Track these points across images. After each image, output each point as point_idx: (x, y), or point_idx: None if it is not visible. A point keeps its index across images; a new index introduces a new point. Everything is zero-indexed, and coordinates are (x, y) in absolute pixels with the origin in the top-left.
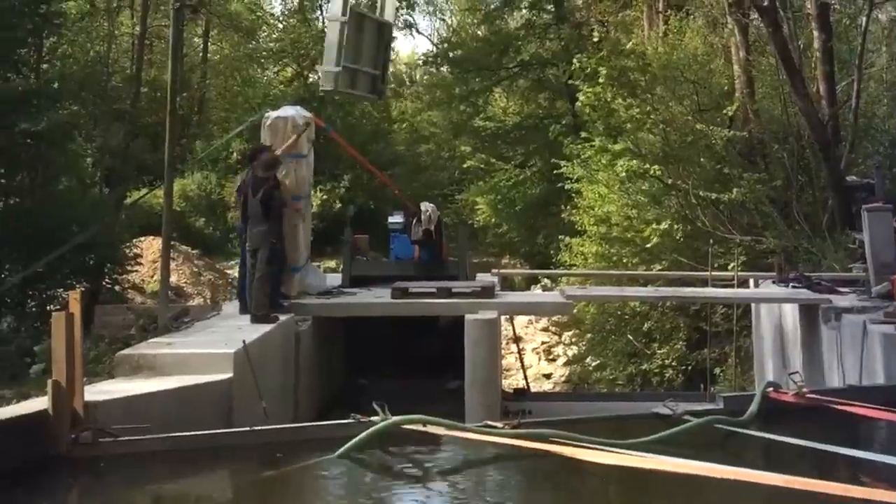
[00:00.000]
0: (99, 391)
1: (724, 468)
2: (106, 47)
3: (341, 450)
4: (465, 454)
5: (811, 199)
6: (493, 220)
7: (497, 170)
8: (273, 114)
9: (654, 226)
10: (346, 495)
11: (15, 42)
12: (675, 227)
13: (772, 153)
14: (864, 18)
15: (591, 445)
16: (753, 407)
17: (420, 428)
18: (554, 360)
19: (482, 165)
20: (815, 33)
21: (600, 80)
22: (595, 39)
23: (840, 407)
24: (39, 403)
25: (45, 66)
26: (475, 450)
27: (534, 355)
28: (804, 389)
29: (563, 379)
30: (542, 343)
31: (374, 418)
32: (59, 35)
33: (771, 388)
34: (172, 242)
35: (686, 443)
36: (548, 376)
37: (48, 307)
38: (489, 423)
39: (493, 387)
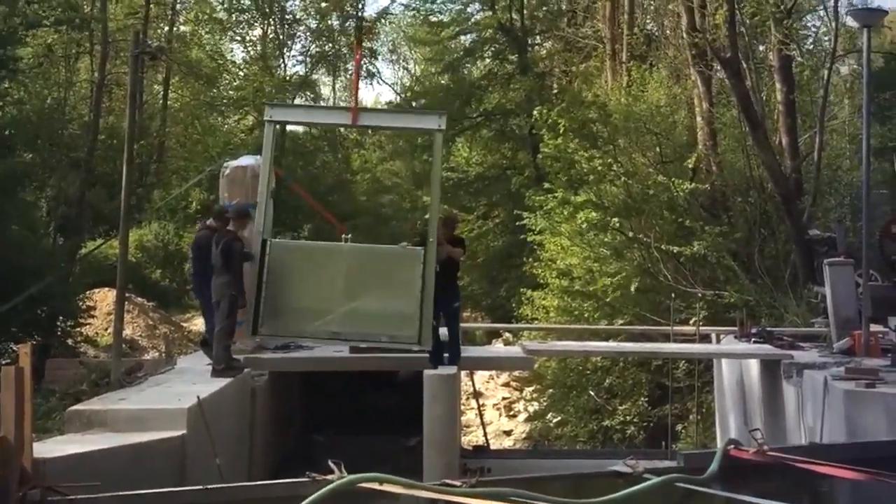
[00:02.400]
0: (49, 448)
1: None
2: (63, 94)
3: None
4: None
5: (773, 253)
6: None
7: (460, 221)
8: (232, 163)
9: (613, 279)
10: None
11: None
12: (635, 279)
13: (734, 206)
14: (827, 71)
15: None
16: (714, 465)
17: (377, 486)
18: (515, 416)
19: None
20: (778, 86)
21: (562, 132)
22: (556, 91)
23: (801, 465)
24: None
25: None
26: None
27: (494, 411)
28: (765, 447)
29: (523, 435)
30: (503, 399)
31: (329, 476)
32: (14, 81)
33: (732, 446)
34: (128, 294)
35: (646, 502)
36: (508, 433)
37: (0, 362)
38: (447, 481)
39: (452, 444)
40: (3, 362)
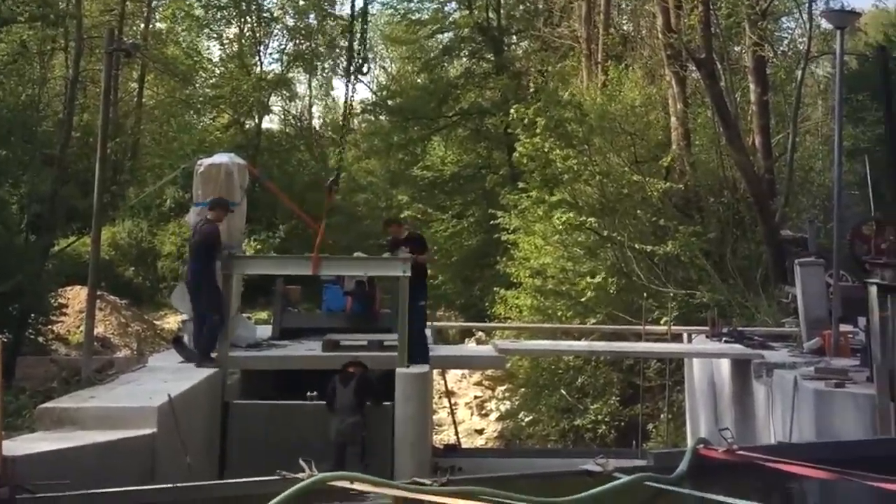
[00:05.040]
0: (18, 445)
1: None
2: (37, 91)
3: None
4: None
5: (746, 253)
6: (429, 271)
7: (434, 220)
8: (206, 161)
9: (588, 279)
10: None
11: None
12: (610, 280)
13: (707, 206)
14: (800, 72)
15: (518, 503)
16: (683, 464)
17: (347, 485)
18: (486, 414)
19: (419, 216)
20: (752, 86)
21: (538, 131)
22: (532, 90)
23: (771, 464)
24: None
25: None
26: None
27: (466, 410)
28: (735, 446)
29: (495, 434)
30: (475, 398)
31: (300, 475)
32: None
33: (701, 445)
34: (100, 292)
35: (615, 500)
36: (480, 432)
37: None
38: (417, 479)
39: (424, 443)
40: None
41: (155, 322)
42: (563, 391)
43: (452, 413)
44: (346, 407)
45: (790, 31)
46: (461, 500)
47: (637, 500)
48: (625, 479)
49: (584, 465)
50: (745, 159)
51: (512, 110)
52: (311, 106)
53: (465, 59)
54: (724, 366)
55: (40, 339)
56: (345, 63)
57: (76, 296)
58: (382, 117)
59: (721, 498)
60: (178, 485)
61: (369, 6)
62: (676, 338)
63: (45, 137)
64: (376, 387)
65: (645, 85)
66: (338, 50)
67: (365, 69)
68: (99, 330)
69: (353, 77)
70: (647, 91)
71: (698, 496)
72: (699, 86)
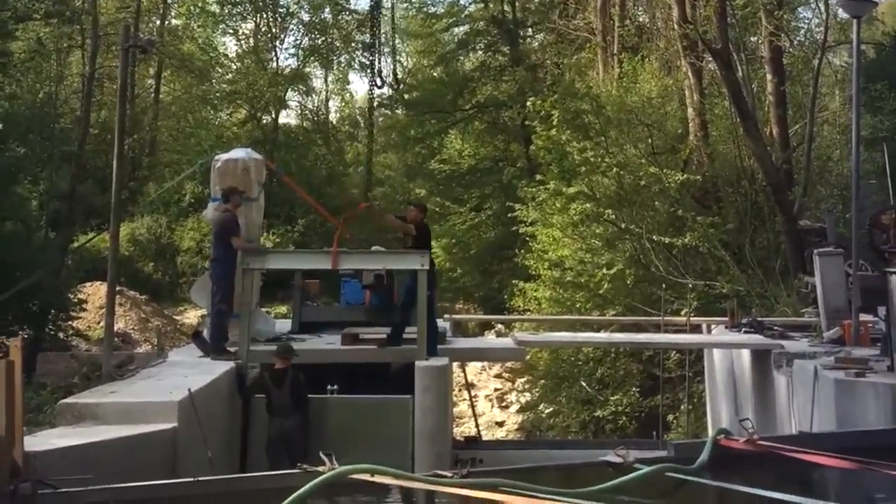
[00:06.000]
0: (40, 441)
1: None
2: (54, 88)
3: (287, 500)
4: None
5: (764, 244)
6: (447, 264)
7: (452, 213)
8: (223, 156)
9: (605, 270)
10: None
11: None
12: (628, 271)
13: (725, 197)
14: (817, 62)
15: (539, 495)
16: (704, 455)
17: (367, 478)
18: (507, 406)
19: (437, 209)
20: (769, 77)
21: (555, 123)
22: (548, 83)
23: (791, 454)
24: None
25: None
26: (423, 500)
27: (487, 402)
28: (755, 436)
29: (515, 426)
30: (496, 390)
31: (320, 468)
32: (5, 75)
33: (722, 436)
34: (120, 288)
35: (636, 491)
36: (500, 424)
37: None
38: (438, 472)
39: (444, 435)
40: None
41: (175, 317)
42: (583, 382)
43: (472, 405)
44: (285, 407)
45: (807, 21)
46: (482, 492)
47: (658, 490)
48: (646, 469)
49: (605, 456)
50: (762, 150)
51: (528, 103)
52: (327, 100)
53: (480, 52)
54: (745, 356)
55: (60, 335)
56: (360, 57)
57: (96, 291)
58: (399, 111)
59: (742, 488)
60: (200, 478)
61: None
62: (696, 329)
63: (63, 135)
64: (306, 388)
65: (661, 76)
66: (353, 44)
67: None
68: (119, 325)
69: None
70: (664, 82)
71: (719, 486)
72: (716, 76)
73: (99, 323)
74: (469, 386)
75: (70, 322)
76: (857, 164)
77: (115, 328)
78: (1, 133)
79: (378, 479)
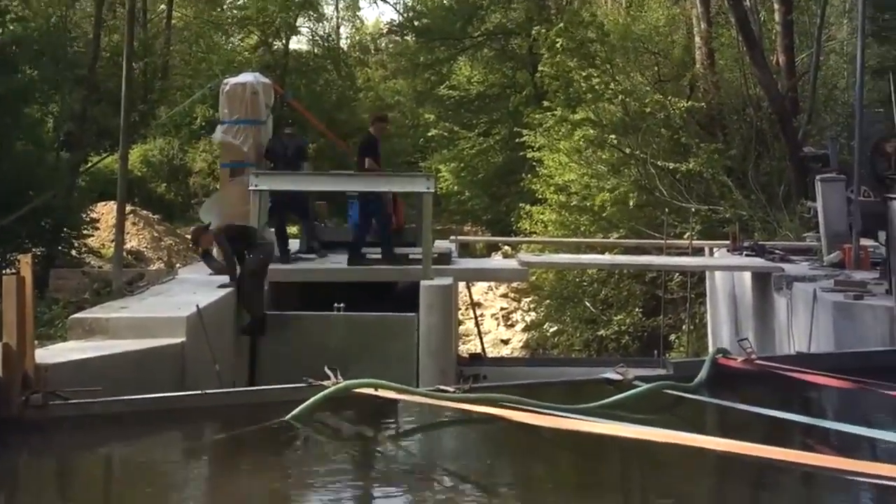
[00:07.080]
0: (51, 354)
1: (672, 433)
2: (66, 12)
3: (292, 413)
4: (416, 418)
5: (768, 170)
6: (455, 187)
7: (460, 138)
8: (231, 80)
9: (612, 193)
10: (297, 458)
11: None
12: (631, 194)
13: (730, 124)
14: None
15: (539, 410)
16: (703, 373)
17: (371, 392)
18: (512, 325)
19: (446, 134)
20: (776, 5)
21: (559, 51)
22: (555, 11)
23: (788, 373)
24: None
25: (1, 29)
26: (426, 414)
27: (493, 321)
28: (753, 356)
29: (521, 344)
30: (501, 309)
31: (325, 382)
32: None
33: (720, 355)
34: (133, 208)
35: (635, 408)
36: (506, 342)
37: (4, 271)
38: (440, 387)
39: (448, 352)
40: (9, 272)
41: (187, 236)
42: (587, 303)
43: (478, 324)
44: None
45: None
46: (483, 406)
47: (657, 407)
48: (645, 386)
49: (605, 373)
50: (768, 78)
51: (534, 31)
52: (338, 27)
53: None
54: (745, 278)
55: (73, 252)
56: None
57: (109, 211)
58: (409, 38)
59: (739, 405)
60: (208, 391)
61: None
62: (698, 252)
63: (75, 58)
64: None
65: (669, 5)
66: None
67: None
68: (133, 244)
69: None
70: (671, 11)
71: (716, 403)
72: (723, 5)
73: (112, 241)
74: (475, 305)
75: (82, 240)
76: (860, 92)
77: (128, 246)
78: (12, 56)
79: (382, 393)
